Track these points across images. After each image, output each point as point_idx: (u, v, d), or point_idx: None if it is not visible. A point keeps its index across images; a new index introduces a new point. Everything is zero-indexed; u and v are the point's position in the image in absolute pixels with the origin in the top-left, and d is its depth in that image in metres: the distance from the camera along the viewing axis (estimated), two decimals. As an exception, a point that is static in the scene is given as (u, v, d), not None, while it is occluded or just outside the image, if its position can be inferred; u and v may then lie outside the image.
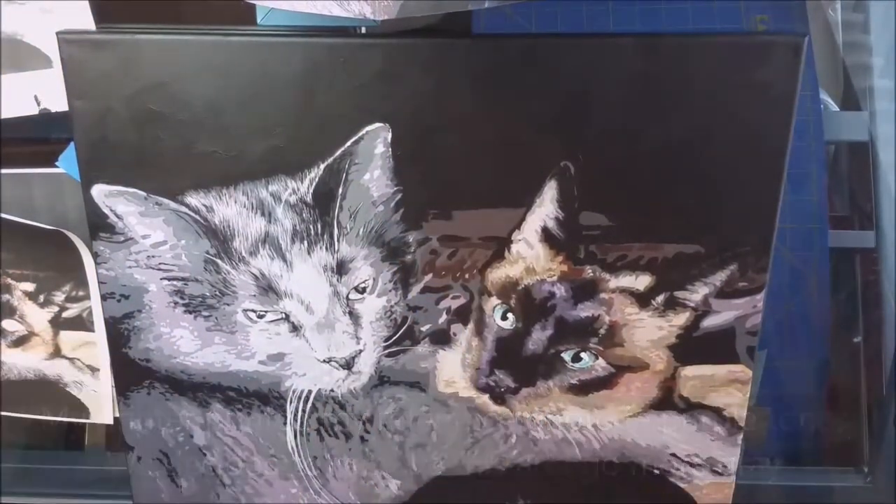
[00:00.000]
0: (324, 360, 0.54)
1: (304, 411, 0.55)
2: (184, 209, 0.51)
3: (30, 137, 0.57)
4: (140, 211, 0.51)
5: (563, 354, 0.52)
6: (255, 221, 0.51)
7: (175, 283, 0.53)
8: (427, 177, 0.49)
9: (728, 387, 0.53)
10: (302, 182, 0.50)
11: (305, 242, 0.51)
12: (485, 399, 0.54)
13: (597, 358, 0.52)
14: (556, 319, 0.52)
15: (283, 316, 0.53)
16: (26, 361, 0.62)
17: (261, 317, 0.53)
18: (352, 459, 0.57)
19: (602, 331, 0.51)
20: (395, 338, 0.53)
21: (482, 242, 0.51)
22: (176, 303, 0.53)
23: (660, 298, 0.51)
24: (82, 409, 0.62)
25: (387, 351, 0.54)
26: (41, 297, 0.59)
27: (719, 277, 0.50)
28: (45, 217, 0.57)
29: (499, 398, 0.54)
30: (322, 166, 0.50)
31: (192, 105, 0.49)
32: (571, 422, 0.54)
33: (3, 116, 0.54)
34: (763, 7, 0.57)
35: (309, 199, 0.50)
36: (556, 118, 0.48)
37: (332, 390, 0.55)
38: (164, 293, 0.53)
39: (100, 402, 0.61)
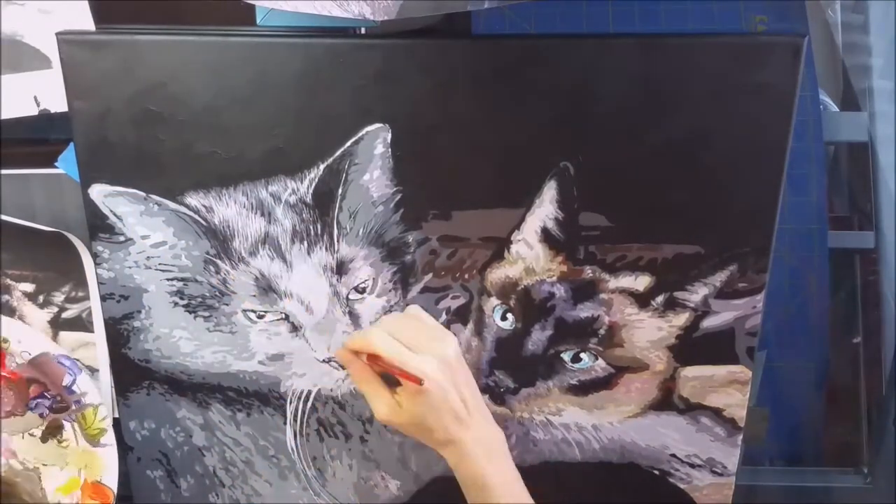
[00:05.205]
0: (324, 361, 0.53)
1: (303, 412, 0.55)
2: (183, 209, 0.51)
3: (30, 138, 0.57)
4: (140, 211, 0.51)
5: (562, 355, 0.52)
6: (254, 222, 0.51)
7: (175, 283, 0.53)
8: (427, 177, 0.49)
9: (728, 387, 0.53)
10: (302, 182, 0.50)
11: (305, 243, 0.51)
12: (485, 399, 0.54)
13: (596, 358, 0.52)
14: (555, 320, 0.52)
15: (283, 316, 0.53)
16: (26, 362, 0.61)
17: (261, 317, 0.53)
18: (352, 460, 0.57)
19: (602, 331, 0.51)
20: (394, 338, 0.53)
21: (482, 243, 0.51)
22: (176, 303, 0.53)
23: (659, 299, 0.51)
24: (82, 410, 0.62)
25: (386, 351, 0.53)
26: (41, 298, 0.59)
27: (719, 278, 0.50)
28: (45, 218, 0.57)
29: (498, 398, 0.54)
30: (322, 166, 0.49)
31: (192, 105, 0.49)
32: (571, 422, 0.54)
33: (3, 117, 0.54)
34: (763, 7, 0.57)
35: (309, 199, 0.50)
36: (556, 118, 0.48)
37: (332, 390, 0.55)
38: (164, 293, 0.53)
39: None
